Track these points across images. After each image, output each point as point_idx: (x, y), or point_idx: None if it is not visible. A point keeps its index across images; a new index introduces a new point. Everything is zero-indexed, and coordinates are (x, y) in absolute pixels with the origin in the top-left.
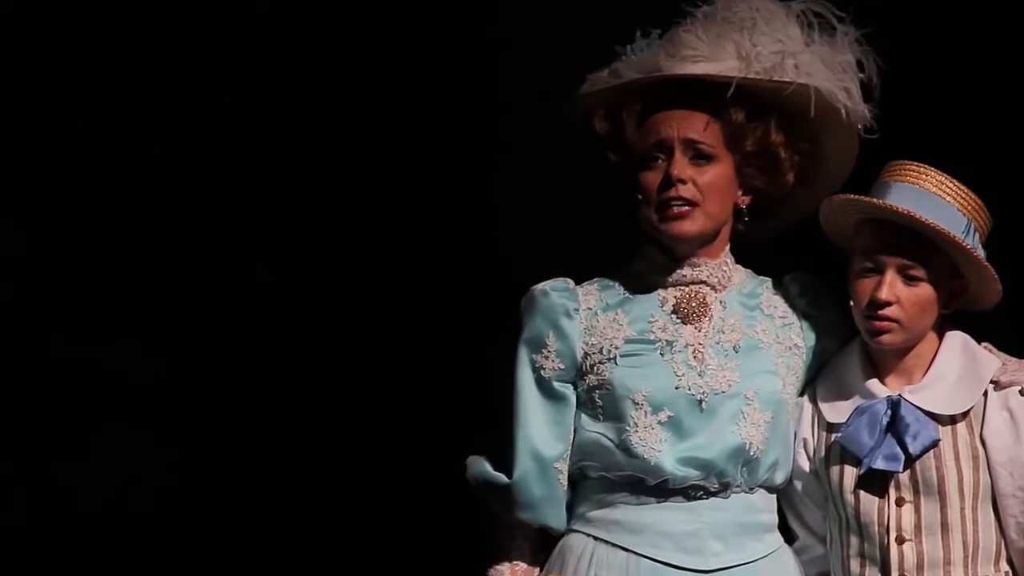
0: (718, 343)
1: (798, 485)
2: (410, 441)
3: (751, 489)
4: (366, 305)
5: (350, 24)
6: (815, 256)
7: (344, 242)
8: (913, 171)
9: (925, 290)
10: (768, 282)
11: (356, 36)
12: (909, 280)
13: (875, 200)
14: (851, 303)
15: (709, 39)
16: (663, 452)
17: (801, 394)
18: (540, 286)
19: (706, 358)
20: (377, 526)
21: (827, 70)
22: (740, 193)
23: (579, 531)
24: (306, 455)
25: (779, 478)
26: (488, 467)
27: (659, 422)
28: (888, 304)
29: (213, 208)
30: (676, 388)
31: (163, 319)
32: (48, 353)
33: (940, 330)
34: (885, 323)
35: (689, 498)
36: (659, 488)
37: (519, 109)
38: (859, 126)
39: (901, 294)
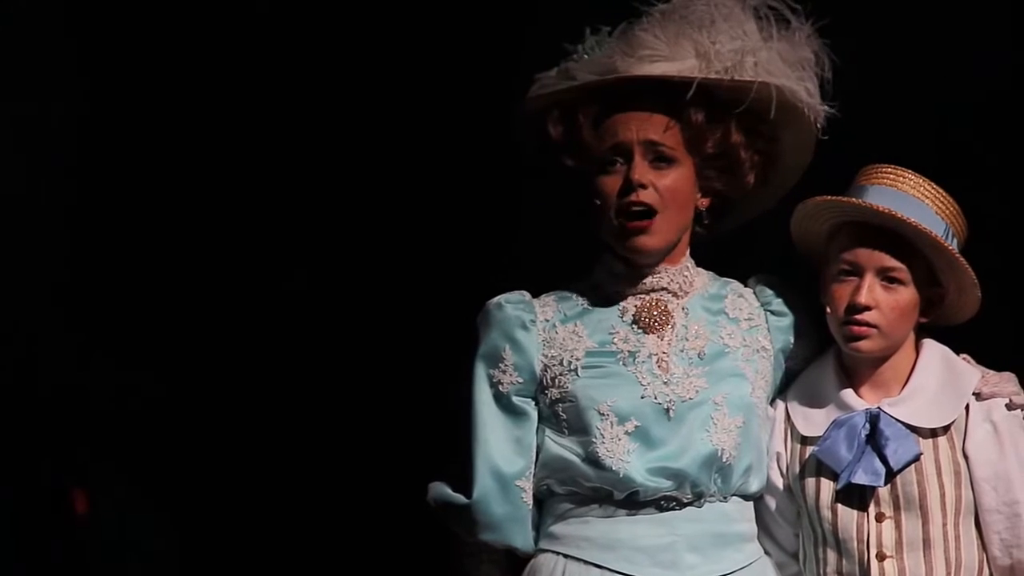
0: (682, 351)
1: (771, 503)
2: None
3: (725, 498)
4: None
5: (357, 28)
6: (781, 258)
7: (351, 247)
8: (891, 174)
9: (904, 295)
10: (732, 284)
11: (362, 39)
12: (888, 283)
13: (856, 200)
14: (827, 310)
15: (667, 38)
16: (632, 463)
17: (772, 405)
18: (495, 299)
19: (671, 367)
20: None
21: (787, 67)
22: (700, 196)
23: (548, 550)
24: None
25: (754, 485)
26: (447, 488)
27: (626, 432)
28: (867, 308)
29: (216, 212)
30: (642, 397)
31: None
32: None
33: (916, 342)
34: (864, 328)
35: (661, 509)
36: (629, 500)
37: None
38: (817, 123)
39: (880, 299)
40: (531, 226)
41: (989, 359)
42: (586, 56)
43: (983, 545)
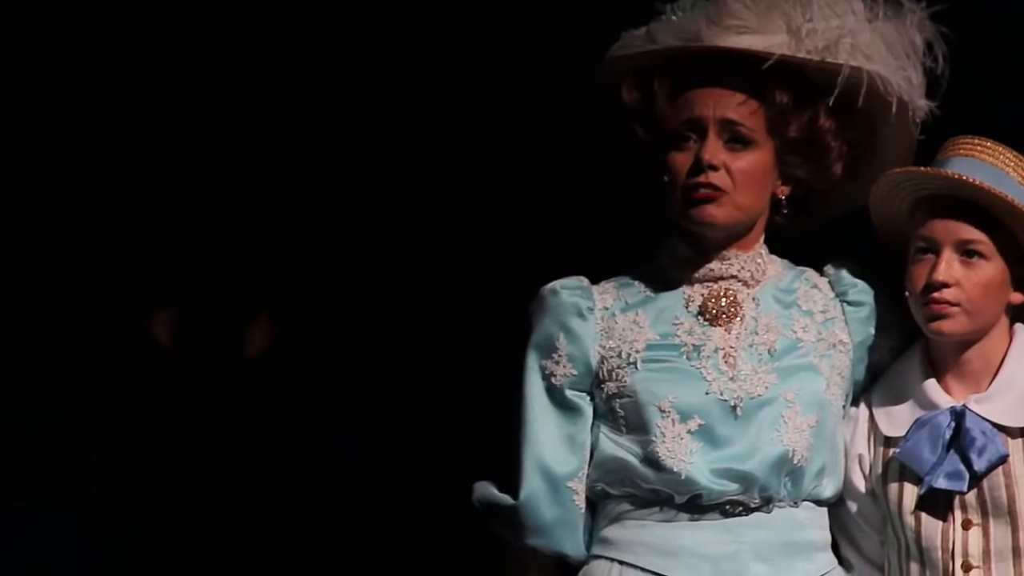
0: (751, 346)
1: (852, 507)
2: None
3: (796, 503)
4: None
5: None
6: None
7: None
8: (966, 144)
9: (987, 270)
10: (807, 273)
11: (368, 39)
12: (969, 257)
13: (921, 168)
14: (906, 294)
15: (758, 9)
16: (695, 463)
17: (856, 404)
18: (550, 285)
19: (738, 363)
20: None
21: (889, 54)
22: (779, 183)
23: (602, 556)
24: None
25: (828, 490)
26: (493, 488)
27: (689, 431)
28: (945, 285)
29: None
30: (707, 393)
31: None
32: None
33: (1011, 329)
34: (943, 307)
35: (726, 515)
36: (691, 504)
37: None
38: (917, 119)
39: (959, 275)
40: (592, 210)
41: None
42: (674, 18)
43: None
